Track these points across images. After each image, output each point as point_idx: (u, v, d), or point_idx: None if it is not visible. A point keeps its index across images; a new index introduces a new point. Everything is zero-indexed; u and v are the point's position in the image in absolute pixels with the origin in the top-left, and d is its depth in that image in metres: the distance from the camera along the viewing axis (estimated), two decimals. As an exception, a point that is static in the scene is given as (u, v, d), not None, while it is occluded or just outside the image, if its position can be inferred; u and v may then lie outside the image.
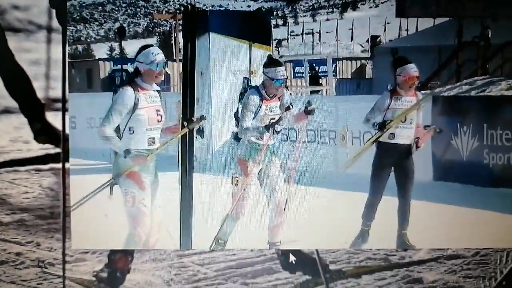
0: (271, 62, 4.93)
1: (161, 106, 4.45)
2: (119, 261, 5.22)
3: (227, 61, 6.43)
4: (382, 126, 5.17)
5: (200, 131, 4.63)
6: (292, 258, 5.36)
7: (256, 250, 5.25)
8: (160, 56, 4.39)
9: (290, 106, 5.02)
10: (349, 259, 5.49)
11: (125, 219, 4.41)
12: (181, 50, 6.18)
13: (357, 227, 5.38)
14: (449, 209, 5.42)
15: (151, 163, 4.42)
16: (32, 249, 5.38)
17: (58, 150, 5.63)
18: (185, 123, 4.54)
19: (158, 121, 4.41)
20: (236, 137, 5.00)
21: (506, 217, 5.63)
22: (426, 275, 5.47)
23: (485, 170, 6.22)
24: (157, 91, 4.46)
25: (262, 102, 4.89)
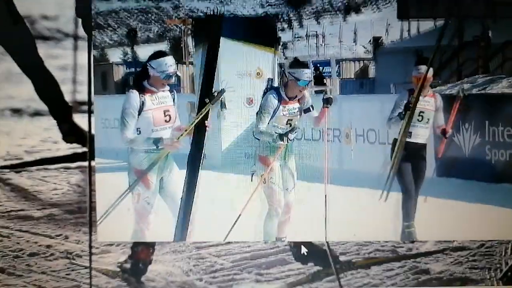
0: (298, 63, 4.83)
1: (171, 106, 4.40)
2: (141, 253, 5.27)
3: (235, 63, 6.36)
4: (407, 106, 5.04)
5: (223, 104, 4.58)
6: (304, 249, 5.33)
7: (270, 242, 5.22)
8: (172, 68, 4.36)
9: (311, 108, 4.91)
10: (358, 251, 5.45)
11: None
12: (191, 54, 6.15)
13: (363, 220, 5.29)
14: (452, 204, 5.30)
15: (160, 162, 4.38)
16: (61, 241, 5.45)
17: (85, 149, 5.67)
18: (207, 100, 4.46)
19: (166, 121, 4.37)
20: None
21: (508, 211, 5.47)
22: (433, 266, 5.40)
23: (487, 166, 6.06)
24: (169, 91, 4.42)
25: (280, 103, 4.79)
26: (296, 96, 4.82)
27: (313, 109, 4.92)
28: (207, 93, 4.56)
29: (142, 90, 4.31)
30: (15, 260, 5.28)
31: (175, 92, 4.49)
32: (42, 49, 5.84)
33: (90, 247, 5.18)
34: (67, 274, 5.23)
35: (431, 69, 5.09)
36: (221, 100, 4.60)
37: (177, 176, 4.53)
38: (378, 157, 6.28)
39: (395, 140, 5.15)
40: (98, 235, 5.16)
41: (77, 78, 5.78)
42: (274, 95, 4.79)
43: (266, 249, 5.42)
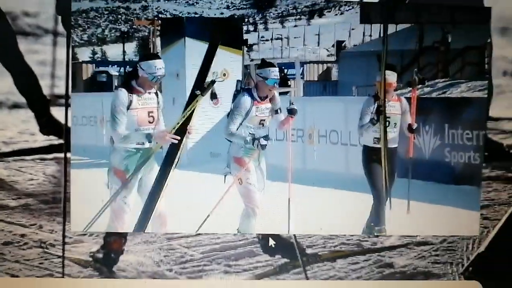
0: (264, 64, 4.78)
1: (155, 108, 4.35)
2: (113, 243, 5.20)
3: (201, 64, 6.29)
4: (378, 110, 4.94)
5: (214, 94, 4.55)
6: (271, 242, 5.28)
7: (239, 234, 5.16)
8: (161, 71, 4.33)
9: (279, 110, 4.83)
10: (325, 244, 5.41)
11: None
12: (159, 53, 6.13)
13: (328, 216, 5.22)
14: (413, 205, 5.22)
15: (140, 161, 4.28)
16: (35, 231, 5.35)
17: (61, 141, 5.61)
18: (198, 91, 4.44)
19: (149, 122, 4.31)
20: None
21: (467, 212, 5.42)
22: (397, 260, 5.37)
23: (447, 168, 6.01)
24: (155, 93, 4.37)
25: (253, 104, 4.71)
26: (267, 96, 4.75)
27: (280, 111, 4.83)
28: (199, 86, 4.52)
29: (130, 89, 4.27)
30: (-11, 248, 5.22)
31: (160, 95, 4.43)
32: (23, 44, 5.80)
33: (64, 236, 5.10)
34: (40, 263, 5.14)
35: (394, 74, 4.98)
36: (211, 91, 4.56)
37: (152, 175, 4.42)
38: (340, 158, 6.25)
39: (366, 147, 5.02)
40: (71, 225, 5.09)
41: (56, 73, 5.76)
42: (247, 97, 4.70)
43: (235, 241, 5.36)
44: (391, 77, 5.00)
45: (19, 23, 5.83)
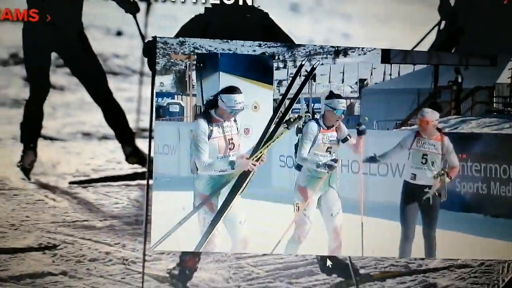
0: (333, 95, 4.47)
1: (235, 135, 4.01)
2: (188, 261, 4.98)
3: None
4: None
5: (299, 129, 4.27)
6: (329, 262, 5.08)
7: (300, 255, 5.00)
8: (240, 105, 3.96)
9: (348, 137, 4.46)
10: (376, 265, 5.21)
11: (195, 227, 4.08)
12: (194, 86, 5.95)
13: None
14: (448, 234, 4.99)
15: (223, 187, 3.97)
16: (118, 249, 5.16)
17: (144, 169, 5.51)
18: (285, 125, 4.14)
19: (230, 149, 3.97)
20: (297, 167, 4.43)
21: (475, 238, 5.21)
22: (440, 281, 5.17)
23: (457, 197, 5.77)
24: (234, 120, 4.04)
25: (319, 131, 4.38)
26: (333, 126, 4.42)
27: (350, 137, 4.50)
28: (284, 119, 4.22)
29: (209, 119, 3.94)
30: (77, 264, 4.98)
31: (239, 121, 4.06)
32: (112, 82, 5.71)
33: (144, 255, 4.86)
34: (122, 278, 4.94)
35: (434, 113, 4.49)
36: (297, 126, 4.22)
37: (237, 200, 4.09)
38: (359, 186, 6.02)
39: (405, 182, 4.57)
40: (151, 245, 4.96)
41: (141, 108, 5.70)
42: (314, 123, 4.41)
43: (296, 261, 5.11)
44: (429, 115, 4.48)
45: (109, 63, 5.76)
